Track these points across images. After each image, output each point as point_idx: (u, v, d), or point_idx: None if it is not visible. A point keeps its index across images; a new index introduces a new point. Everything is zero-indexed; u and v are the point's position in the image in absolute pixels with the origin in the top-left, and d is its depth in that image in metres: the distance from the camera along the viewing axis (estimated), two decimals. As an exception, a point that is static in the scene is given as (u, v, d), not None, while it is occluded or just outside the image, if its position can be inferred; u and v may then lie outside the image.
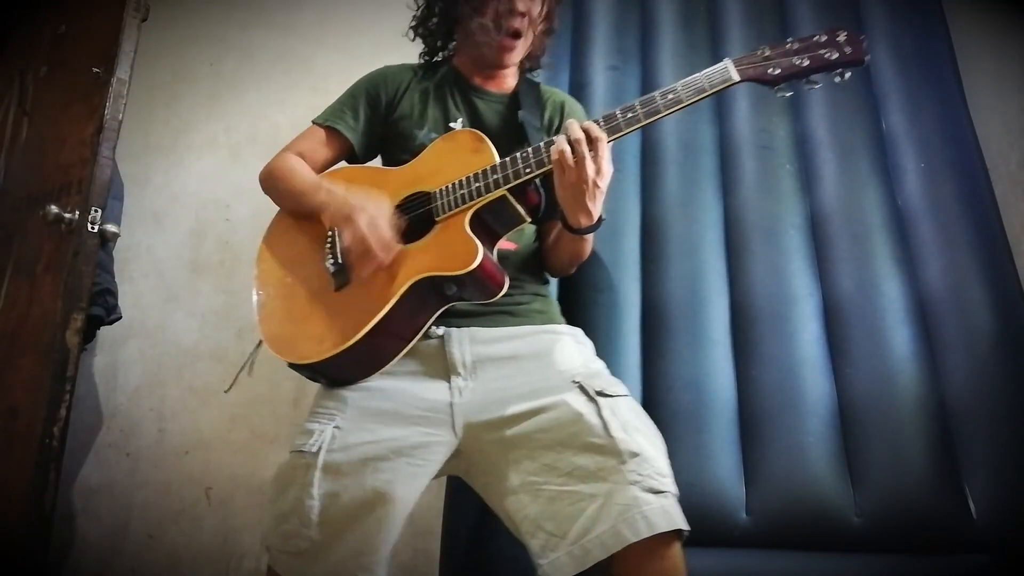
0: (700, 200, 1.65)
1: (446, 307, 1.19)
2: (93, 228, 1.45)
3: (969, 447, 1.35)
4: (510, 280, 1.18)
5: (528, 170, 1.15)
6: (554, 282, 1.47)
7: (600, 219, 1.20)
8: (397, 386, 1.18)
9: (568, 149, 1.11)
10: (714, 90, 1.11)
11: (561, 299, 1.56)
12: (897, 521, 1.30)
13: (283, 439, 1.97)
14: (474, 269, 1.11)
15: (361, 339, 1.13)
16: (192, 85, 2.33)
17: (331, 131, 1.38)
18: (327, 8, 2.36)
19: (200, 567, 1.91)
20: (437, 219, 1.19)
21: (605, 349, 1.49)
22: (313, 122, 1.40)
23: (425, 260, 1.16)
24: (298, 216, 1.35)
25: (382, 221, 1.17)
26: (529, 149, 1.16)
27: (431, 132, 1.35)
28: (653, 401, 1.45)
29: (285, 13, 2.38)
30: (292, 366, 1.21)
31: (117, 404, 2.05)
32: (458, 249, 1.13)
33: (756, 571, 1.32)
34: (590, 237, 1.30)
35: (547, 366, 1.18)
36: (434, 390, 1.18)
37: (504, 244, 1.25)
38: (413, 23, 1.51)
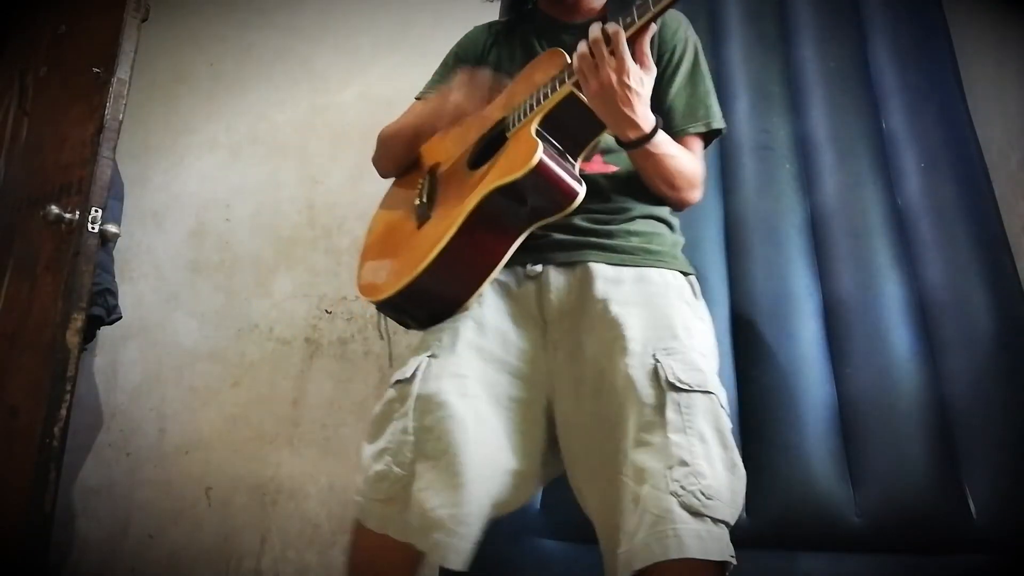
0: (701, 200, 1.65)
1: (530, 230, 1.09)
2: (93, 228, 1.45)
3: (969, 447, 1.35)
4: (615, 203, 1.12)
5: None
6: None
7: (656, 127, 1.07)
8: (499, 326, 1.10)
9: (587, 53, 1.02)
10: None
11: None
12: (897, 521, 1.30)
13: (283, 439, 1.97)
14: (533, 168, 1.01)
15: (431, 265, 1.06)
16: (192, 85, 2.34)
17: (427, 102, 1.37)
18: (327, 8, 2.37)
19: (200, 567, 1.91)
20: (508, 134, 1.14)
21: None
22: (415, 97, 1.42)
23: (492, 175, 1.08)
24: (400, 179, 1.37)
25: (476, 91, 1.22)
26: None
27: None
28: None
29: (285, 13, 2.38)
30: (380, 309, 1.17)
31: (117, 404, 2.05)
32: (520, 153, 1.05)
33: (757, 571, 1.32)
34: (667, 150, 1.13)
35: (637, 325, 1.03)
36: (530, 339, 1.10)
37: (601, 167, 1.17)
38: None
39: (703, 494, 0.90)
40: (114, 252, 1.93)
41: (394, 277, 1.12)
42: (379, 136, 1.40)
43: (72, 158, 1.57)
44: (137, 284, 2.13)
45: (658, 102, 1.19)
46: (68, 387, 1.39)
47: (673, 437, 0.93)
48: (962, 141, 1.63)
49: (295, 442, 1.96)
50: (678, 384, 0.97)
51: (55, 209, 1.46)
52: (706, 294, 1.53)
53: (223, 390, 2.04)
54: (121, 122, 1.51)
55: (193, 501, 1.95)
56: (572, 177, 1.06)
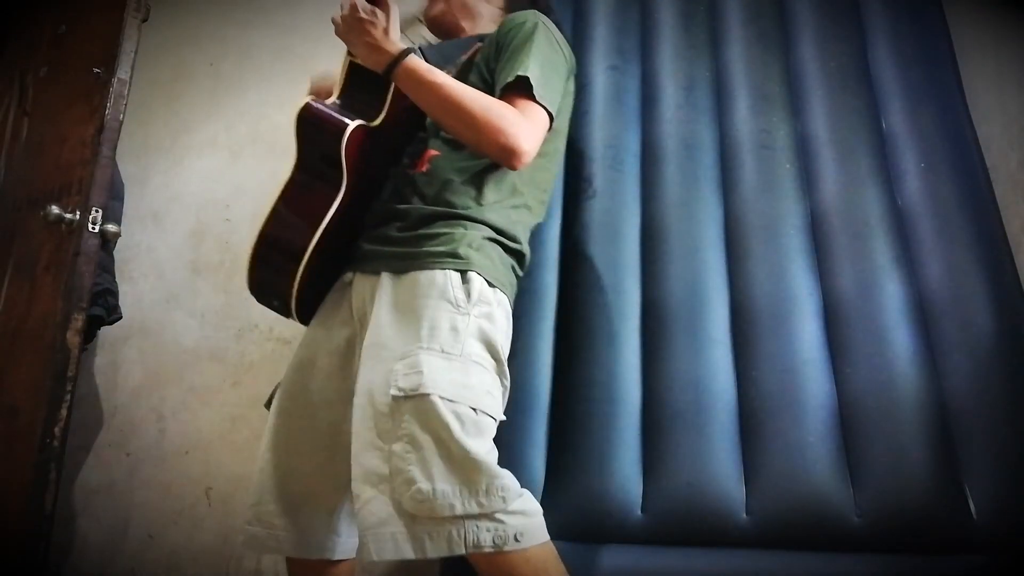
0: (700, 200, 1.65)
1: (343, 189, 1.18)
2: (94, 228, 1.45)
3: (969, 447, 1.35)
4: (419, 206, 1.18)
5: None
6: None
7: (407, 51, 1.17)
8: (319, 335, 1.25)
9: (337, 17, 1.21)
10: None
11: (561, 297, 1.56)
12: (897, 521, 1.30)
13: (283, 439, 1.97)
14: (300, 112, 1.18)
15: (263, 232, 1.19)
16: (192, 85, 2.33)
17: None
18: (327, 8, 2.35)
19: (200, 567, 1.91)
20: None
21: (605, 349, 1.50)
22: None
23: None
24: None
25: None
26: None
27: None
28: (653, 401, 1.45)
29: (285, 13, 2.38)
30: (256, 299, 1.31)
31: (117, 404, 2.05)
32: None
33: (756, 571, 1.32)
34: (437, 78, 1.17)
35: (389, 334, 1.09)
36: (349, 342, 1.21)
37: (426, 157, 1.25)
38: None
39: (415, 499, 0.98)
40: (114, 252, 1.93)
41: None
42: None
43: (72, 158, 1.57)
44: (137, 284, 2.13)
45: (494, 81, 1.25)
46: (68, 387, 1.39)
47: (393, 447, 1.01)
48: (962, 141, 1.63)
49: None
50: (396, 393, 1.03)
51: (55, 209, 1.46)
52: (706, 294, 1.55)
53: (223, 390, 2.04)
54: (121, 122, 1.52)
55: (193, 501, 1.95)
56: (342, 116, 1.19)
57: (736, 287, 1.56)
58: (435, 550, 0.97)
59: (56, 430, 1.37)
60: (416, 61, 1.17)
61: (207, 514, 1.94)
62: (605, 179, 1.67)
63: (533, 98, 1.18)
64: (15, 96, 1.95)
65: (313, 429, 1.20)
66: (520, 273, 1.25)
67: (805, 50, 1.80)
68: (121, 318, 1.92)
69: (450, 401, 1.03)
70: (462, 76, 1.27)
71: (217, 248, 2.17)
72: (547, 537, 1.04)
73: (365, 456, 1.04)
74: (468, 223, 1.17)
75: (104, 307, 1.82)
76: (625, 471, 1.39)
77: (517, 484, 1.03)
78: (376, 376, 1.06)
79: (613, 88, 1.79)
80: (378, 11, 1.18)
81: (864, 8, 1.84)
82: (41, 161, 1.72)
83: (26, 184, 1.77)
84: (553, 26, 1.32)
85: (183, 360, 2.07)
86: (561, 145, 1.38)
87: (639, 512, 1.37)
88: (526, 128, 1.16)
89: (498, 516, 0.99)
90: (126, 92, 1.52)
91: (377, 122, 1.23)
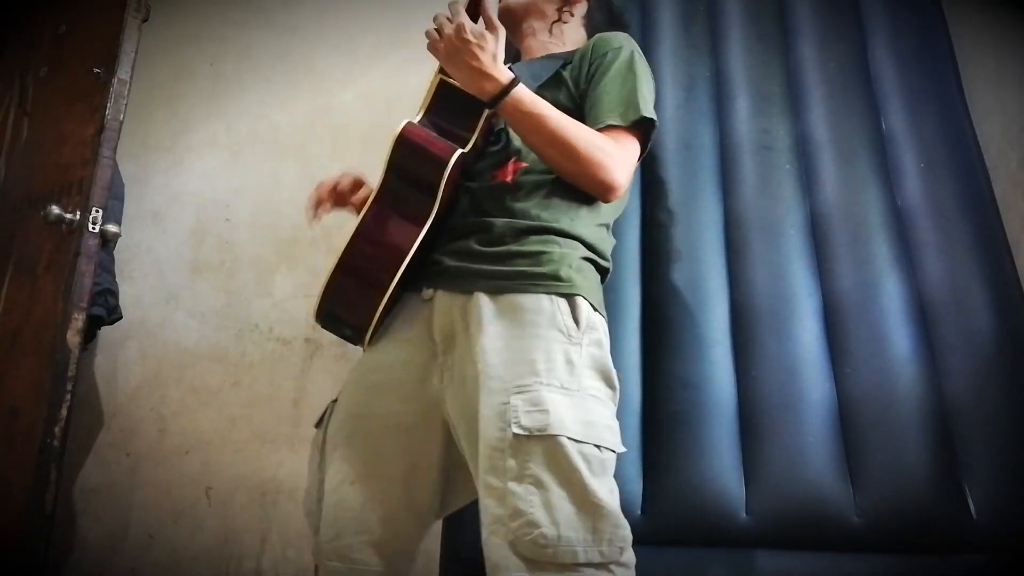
0: (700, 200, 1.65)
1: (433, 213, 1.11)
2: (94, 228, 1.45)
3: (969, 447, 1.35)
4: (510, 220, 1.12)
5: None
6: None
7: (515, 81, 1.10)
8: (394, 355, 1.15)
9: (433, 31, 1.11)
10: None
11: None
12: (897, 521, 1.30)
13: (283, 439, 1.97)
14: (398, 137, 1.11)
15: (344, 253, 1.11)
16: (192, 85, 2.34)
17: None
18: (327, 8, 2.36)
19: (200, 567, 1.91)
20: None
21: (605, 349, 1.50)
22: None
23: None
24: None
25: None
26: None
27: None
28: (653, 401, 1.45)
29: (285, 13, 2.38)
30: (323, 326, 1.21)
31: (117, 404, 2.05)
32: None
33: (756, 571, 1.32)
34: (543, 109, 1.12)
35: (497, 367, 1.02)
36: (420, 364, 1.12)
37: (511, 168, 1.19)
38: None
39: (536, 544, 0.92)
40: (114, 252, 1.93)
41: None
42: None
43: (73, 158, 1.57)
44: (137, 284, 2.13)
45: (584, 102, 1.23)
46: (69, 387, 1.39)
47: (511, 485, 0.95)
48: (962, 141, 1.63)
49: (295, 442, 1.96)
50: (518, 431, 0.97)
51: (56, 209, 1.46)
52: (706, 294, 1.55)
53: (223, 390, 2.04)
54: (122, 122, 1.52)
55: (193, 501, 1.95)
56: (445, 141, 1.13)
57: (736, 287, 1.56)
58: None
59: (56, 430, 1.37)
60: (524, 91, 1.11)
61: (207, 514, 1.94)
62: (605, 179, 1.67)
63: (631, 129, 1.17)
64: (15, 96, 1.95)
65: (387, 456, 1.11)
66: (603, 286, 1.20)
67: (805, 50, 1.80)
68: (121, 318, 1.92)
69: (577, 442, 0.97)
70: (547, 92, 1.23)
71: (217, 248, 2.17)
72: None
73: (483, 496, 0.99)
74: (562, 239, 1.12)
75: (104, 307, 1.82)
76: (625, 471, 1.39)
77: (630, 533, 0.99)
78: (487, 409, 1.00)
79: (613, 88, 1.79)
80: (487, 34, 1.08)
81: (864, 8, 1.84)
82: (41, 161, 1.72)
83: (26, 184, 1.77)
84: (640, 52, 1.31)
85: (183, 360, 2.07)
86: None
87: (639, 512, 1.37)
88: (623, 162, 1.15)
89: (612, 568, 0.96)
90: (126, 92, 1.52)
91: (468, 148, 1.16)
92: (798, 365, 1.45)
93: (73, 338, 1.40)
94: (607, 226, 1.23)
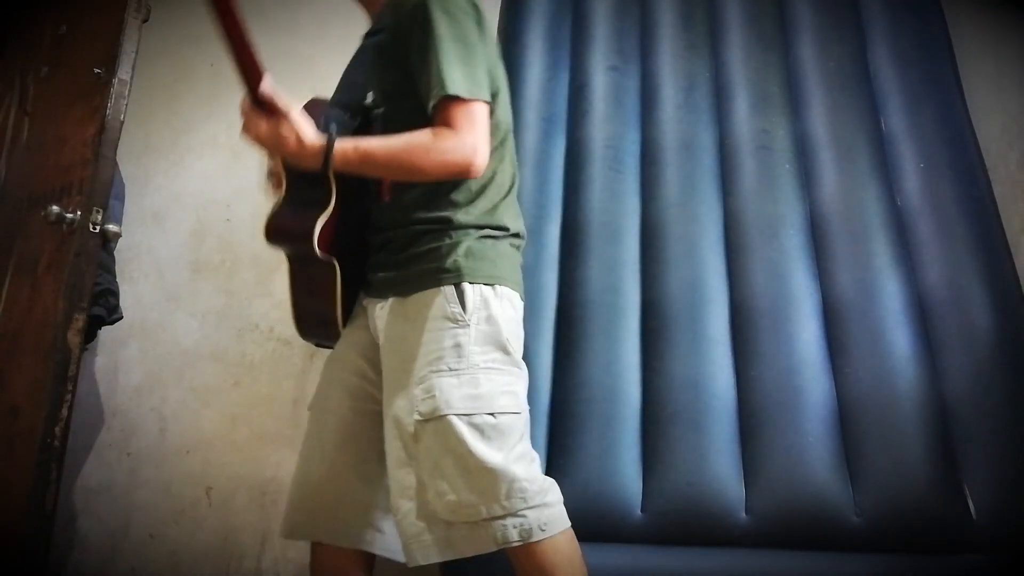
0: (700, 200, 1.65)
1: (334, 269, 1.22)
2: (95, 228, 1.44)
3: (969, 447, 1.35)
4: (403, 226, 1.20)
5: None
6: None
7: (329, 143, 1.12)
8: (344, 354, 1.30)
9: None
10: None
11: (560, 297, 1.56)
12: (897, 521, 1.30)
13: (283, 439, 1.97)
14: (266, 236, 1.21)
15: (293, 301, 1.27)
16: (193, 85, 2.33)
17: None
18: (327, 8, 2.36)
19: (200, 567, 1.91)
20: None
21: (605, 349, 1.50)
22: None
23: None
24: None
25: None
26: None
27: None
28: (653, 401, 1.45)
29: (285, 13, 2.38)
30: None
31: (118, 404, 2.05)
32: None
33: (756, 571, 1.32)
34: (366, 146, 1.14)
35: (404, 360, 1.17)
36: (366, 360, 1.26)
37: (388, 185, 1.25)
38: None
39: (448, 510, 1.08)
40: (115, 252, 1.93)
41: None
42: None
43: (73, 158, 1.57)
44: (138, 284, 2.13)
45: (416, 86, 1.19)
46: (69, 387, 1.39)
47: (421, 462, 1.10)
48: (962, 141, 1.63)
49: (295, 442, 1.94)
50: (417, 418, 1.11)
51: (56, 209, 1.46)
52: (706, 294, 1.55)
53: (224, 390, 2.04)
54: (122, 122, 1.51)
55: (193, 501, 1.95)
56: (302, 220, 1.19)
57: (736, 287, 1.56)
58: (469, 550, 1.08)
59: (56, 430, 1.37)
60: (343, 147, 1.13)
61: (207, 514, 1.94)
62: (605, 179, 1.67)
63: (461, 98, 1.14)
64: (15, 96, 1.95)
65: (341, 439, 1.26)
66: (519, 248, 1.27)
67: (805, 50, 1.80)
68: (121, 318, 1.91)
69: (466, 416, 1.10)
70: (386, 72, 1.25)
71: (217, 248, 2.17)
72: (568, 523, 1.13)
73: (399, 473, 1.13)
74: (452, 231, 1.18)
75: (105, 307, 1.82)
76: (625, 471, 1.39)
77: (539, 478, 1.12)
78: (400, 400, 1.14)
79: (613, 88, 1.79)
80: (279, 123, 1.15)
81: (864, 8, 1.84)
82: (42, 161, 1.72)
83: (27, 184, 1.77)
84: None
85: (183, 360, 2.07)
86: (504, 115, 1.27)
87: (639, 512, 1.37)
88: (466, 140, 1.13)
89: (521, 512, 1.08)
90: (127, 92, 1.52)
91: (331, 206, 1.21)
92: (798, 365, 1.45)
93: (73, 338, 1.40)
94: (497, 196, 1.24)
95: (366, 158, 1.14)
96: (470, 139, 1.13)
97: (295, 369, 2.03)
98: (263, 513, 1.93)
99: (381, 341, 1.22)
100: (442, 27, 1.15)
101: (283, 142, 1.14)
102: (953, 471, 1.33)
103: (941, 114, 1.66)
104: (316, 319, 1.28)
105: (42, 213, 1.47)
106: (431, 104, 1.14)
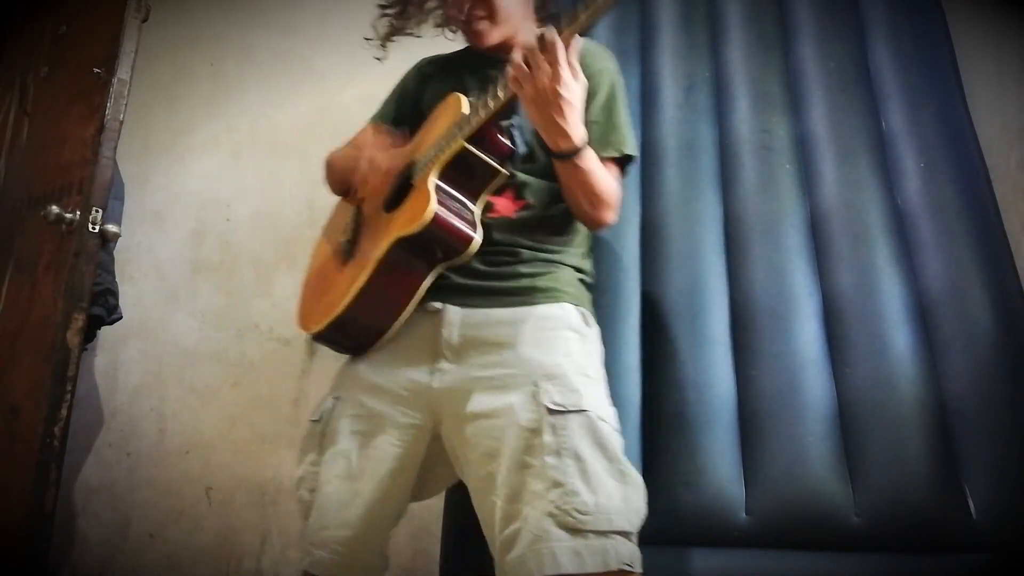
0: (700, 200, 1.65)
1: (435, 273, 1.16)
2: (94, 228, 1.44)
3: (969, 447, 1.35)
4: (510, 247, 1.17)
5: (480, 115, 1.11)
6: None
7: (587, 142, 1.11)
8: (389, 360, 1.20)
9: (521, 63, 1.04)
10: None
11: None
12: (897, 521, 1.30)
13: (283, 439, 1.97)
14: (428, 223, 1.09)
15: (347, 309, 1.17)
16: (192, 85, 2.33)
17: (375, 125, 1.45)
18: (327, 8, 2.36)
19: (200, 567, 1.91)
20: (413, 182, 1.20)
21: (605, 349, 1.49)
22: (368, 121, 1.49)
23: (398, 223, 1.17)
24: (342, 201, 1.44)
25: (382, 160, 1.26)
26: (484, 97, 1.12)
27: None
28: (653, 401, 1.45)
29: (286, 13, 2.38)
30: (314, 340, 1.28)
31: (118, 404, 2.05)
32: (418, 207, 1.12)
33: (756, 571, 1.32)
34: (589, 166, 1.15)
35: (521, 359, 1.11)
36: (419, 369, 1.17)
37: (509, 206, 1.21)
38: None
39: (578, 511, 0.97)
40: (114, 252, 1.93)
41: (321, 314, 1.23)
42: (325, 162, 1.50)
43: (73, 158, 1.57)
44: (137, 284, 2.13)
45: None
46: (69, 387, 1.39)
47: (549, 460, 1.00)
48: (962, 141, 1.63)
49: (295, 442, 1.94)
50: (552, 407, 1.04)
51: (56, 209, 1.46)
52: (706, 294, 1.55)
53: (223, 390, 2.04)
54: (122, 122, 1.51)
55: (193, 501, 1.95)
56: (467, 224, 1.14)
57: (736, 287, 1.56)
58: (592, 564, 0.96)
59: (56, 430, 1.37)
60: (590, 151, 1.13)
61: (207, 514, 1.94)
62: (605, 179, 1.67)
63: (632, 160, 1.27)
64: (15, 96, 1.95)
65: (379, 455, 1.16)
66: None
67: (805, 50, 1.80)
68: (121, 318, 1.92)
69: (603, 421, 1.06)
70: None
71: (217, 248, 2.17)
72: None
73: (513, 476, 1.02)
74: (558, 266, 1.22)
75: (104, 307, 1.82)
76: (625, 471, 1.39)
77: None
78: (514, 397, 1.06)
79: (613, 88, 1.79)
80: (577, 90, 1.06)
81: (864, 8, 1.84)
82: (41, 161, 1.72)
83: (26, 184, 1.77)
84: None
85: (183, 360, 2.07)
86: None
87: (639, 512, 1.37)
88: (619, 199, 1.23)
89: (631, 537, 1.01)
90: (126, 92, 1.52)
91: (477, 232, 1.16)
92: (798, 365, 1.45)
93: (73, 338, 1.40)
94: (587, 245, 1.31)
95: (590, 169, 1.14)
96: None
97: (295, 369, 2.03)
98: (263, 513, 1.93)
99: (466, 346, 1.15)
100: (621, 94, 1.29)
101: (566, 109, 1.05)
102: (953, 471, 1.33)
103: (941, 114, 1.66)
104: (366, 327, 1.19)
105: (41, 213, 1.47)
106: (607, 155, 1.21)
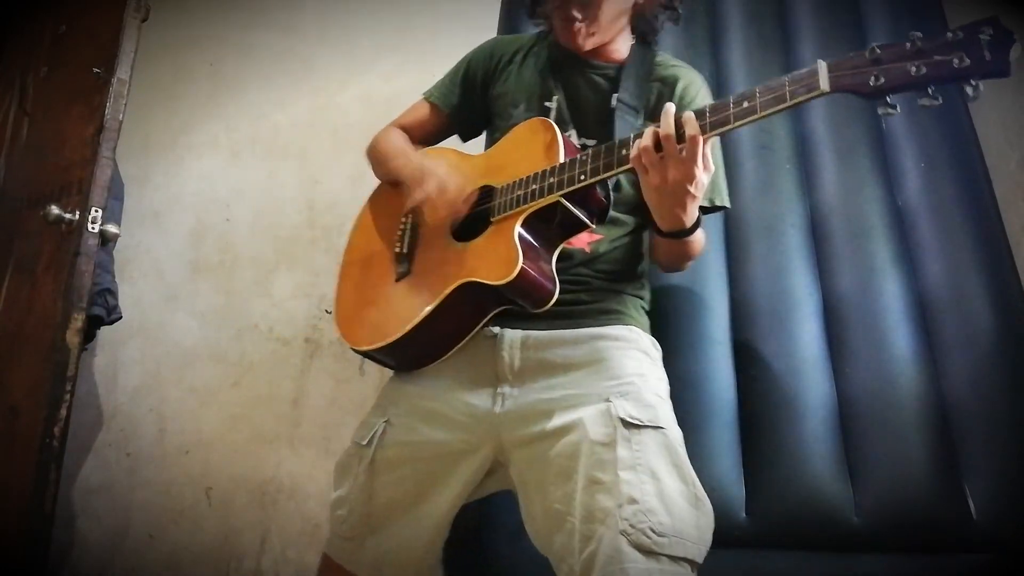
0: (700, 200, 1.65)
1: (502, 308, 1.13)
2: (93, 228, 1.44)
3: (969, 447, 1.35)
4: (580, 278, 1.15)
5: (583, 177, 1.04)
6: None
7: (697, 223, 1.08)
8: (447, 385, 1.16)
9: (651, 147, 0.96)
10: (796, 101, 0.90)
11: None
12: (897, 521, 1.30)
13: (283, 439, 1.97)
14: (511, 281, 1.03)
15: (406, 335, 1.13)
16: (192, 85, 2.33)
17: (432, 105, 1.39)
18: (327, 8, 2.37)
19: (200, 567, 1.91)
20: (492, 220, 1.14)
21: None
22: (422, 95, 1.42)
23: (472, 263, 1.12)
24: (391, 190, 1.34)
25: (451, 185, 1.18)
26: (590, 150, 1.06)
27: (527, 111, 1.26)
28: (653, 401, 1.45)
29: (286, 13, 2.38)
30: (358, 352, 1.24)
31: (117, 404, 2.05)
32: (500, 257, 1.07)
33: (756, 571, 1.32)
34: (698, 234, 1.13)
35: (591, 377, 1.08)
36: (479, 395, 1.13)
37: (584, 239, 1.18)
38: None
39: (653, 531, 0.91)
40: (114, 252, 1.93)
41: (373, 333, 1.19)
42: (375, 137, 1.41)
43: (72, 158, 1.57)
44: (137, 284, 2.13)
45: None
46: (68, 387, 1.39)
47: (623, 475, 0.94)
48: (962, 141, 1.63)
49: (295, 442, 1.96)
50: (628, 420, 0.99)
51: (55, 209, 1.46)
52: (706, 294, 1.55)
53: (223, 390, 2.04)
54: (121, 122, 1.51)
55: (193, 501, 1.95)
56: (548, 280, 1.08)
57: (736, 287, 1.56)
58: None
59: (56, 430, 1.37)
60: (699, 234, 1.13)
61: (207, 514, 1.94)
62: (605, 179, 1.67)
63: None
64: (15, 96, 1.95)
65: (436, 483, 1.13)
66: None
67: (805, 50, 1.80)
68: (121, 318, 1.91)
69: (679, 442, 1.03)
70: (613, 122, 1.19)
71: (217, 248, 2.17)
72: None
73: (585, 495, 0.96)
74: (627, 295, 1.21)
75: (104, 307, 1.82)
76: (625, 471, 1.39)
77: None
78: (585, 413, 1.02)
79: (613, 88, 1.78)
80: (705, 182, 1.00)
81: (864, 8, 1.84)
82: (41, 161, 1.72)
83: (26, 184, 1.77)
84: None
85: (183, 360, 2.07)
86: None
87: (639, 512, 1.37)
88: None
89: (694, 569, 0.94)
90: (126, 92, 1.52)
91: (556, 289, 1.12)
92: (798, 365, 1.45)
93: (73, 338, 1.40)
94: (647, 277, 1.31)
95: (693, 241, 1.15)
96: None
97: (295, 369, 2.03)
98: (263, 513, 1.93)
99: (525, 369, 1.12)
100: (718, 144, 1.26)
101: (690, 202, 1.01)
102: (953, 471, 1.33)
103: (941, 114, 1.66)
104: (421, 353, 1.17)
105: (41, 213, 1.47)
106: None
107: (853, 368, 1.44)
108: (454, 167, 1.24)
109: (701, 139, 0.95)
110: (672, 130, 0.96)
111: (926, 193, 1.58)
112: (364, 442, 1.17)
